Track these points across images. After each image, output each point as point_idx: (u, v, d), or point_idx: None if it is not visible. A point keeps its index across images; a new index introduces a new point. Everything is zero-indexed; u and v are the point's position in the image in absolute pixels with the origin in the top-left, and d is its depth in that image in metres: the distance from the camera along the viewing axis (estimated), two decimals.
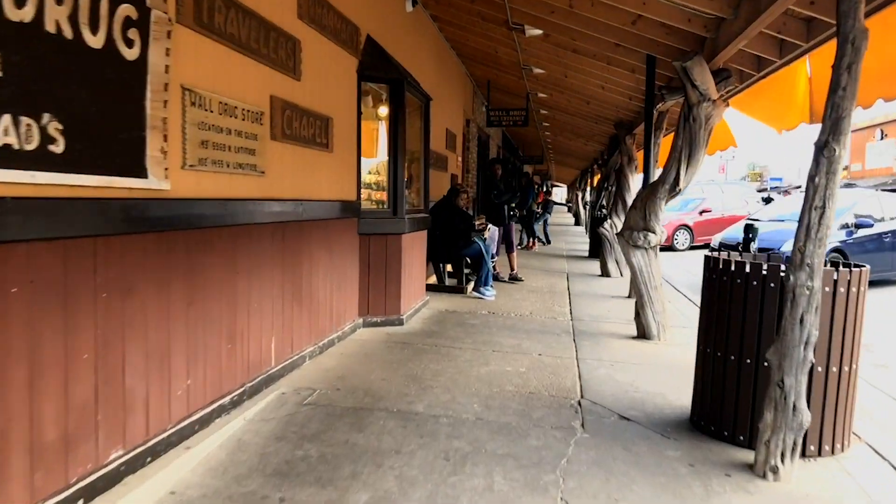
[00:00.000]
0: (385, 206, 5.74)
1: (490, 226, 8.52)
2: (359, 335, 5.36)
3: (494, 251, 8.60)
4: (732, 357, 3.30)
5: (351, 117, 5.25)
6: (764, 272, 3.19)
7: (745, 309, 3.23)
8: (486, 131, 16.31)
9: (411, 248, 6.07)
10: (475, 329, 5.81)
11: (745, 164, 61.19)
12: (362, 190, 5.93)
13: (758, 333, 3.18)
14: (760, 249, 9.39)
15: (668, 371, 4.62)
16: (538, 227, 15.40)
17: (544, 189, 38.89)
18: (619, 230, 10.83)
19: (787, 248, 9.15)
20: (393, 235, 5.66)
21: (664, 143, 11.78)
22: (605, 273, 10.26)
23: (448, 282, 8.16)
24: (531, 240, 14.91)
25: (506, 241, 9.22)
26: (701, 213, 17.27)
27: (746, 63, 5.28)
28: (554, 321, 6.35)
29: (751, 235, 4.26)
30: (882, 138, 42.86)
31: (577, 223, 26.73)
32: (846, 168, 53.54)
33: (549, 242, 15.90)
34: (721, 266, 3.38)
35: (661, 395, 4.05)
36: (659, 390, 4.14)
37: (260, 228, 3.70)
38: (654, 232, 5.47)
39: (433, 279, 8.16)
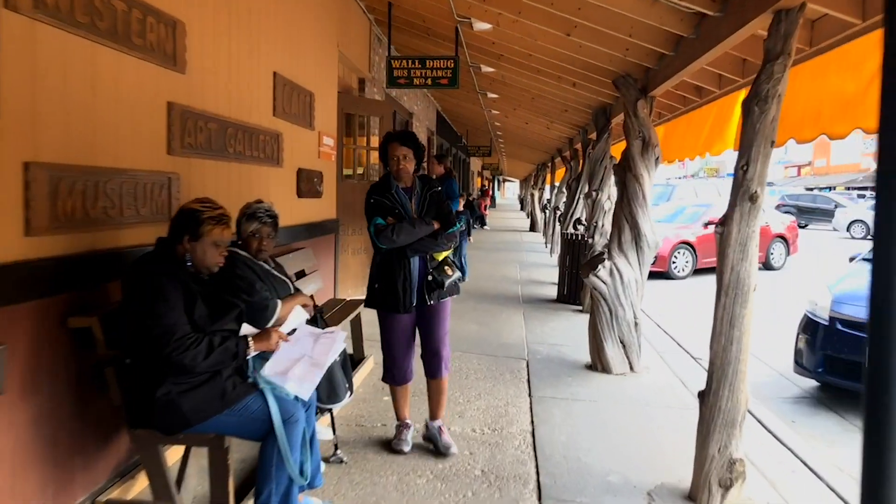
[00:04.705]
0: None
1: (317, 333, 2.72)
2: None
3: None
4: None
5: None
6: None
7: None
8: (407, 107, 11.08)
9: None
10: None
11: (699, 160, 57.98)
12: None
13: None
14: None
15: None
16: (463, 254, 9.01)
17: (485, 190, 30.98)
18: (623, 272, 5.46)
19: None
20: None
21: (696, 117, 6.65)
22: (598, 365, 5.26)
23: (193, 486, 2.88)
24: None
25: (424, 348, 3.51)
26: (706, 225, 12.26)
27: None
28: None
29: None
30: None
31: (533, 228, 21.83)
32: (809, 164, 50.81)
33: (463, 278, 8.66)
34: None
35: None
36: None
37: None
38: None
39: (142, 483, 2.86)
